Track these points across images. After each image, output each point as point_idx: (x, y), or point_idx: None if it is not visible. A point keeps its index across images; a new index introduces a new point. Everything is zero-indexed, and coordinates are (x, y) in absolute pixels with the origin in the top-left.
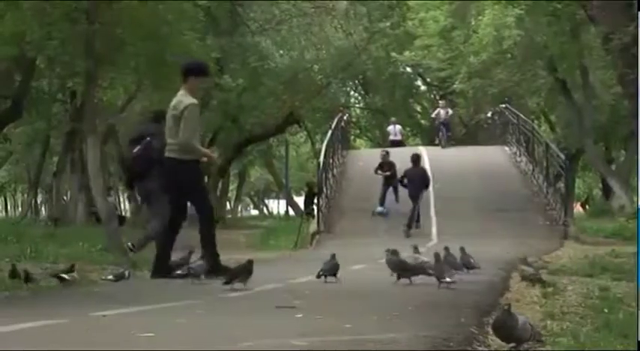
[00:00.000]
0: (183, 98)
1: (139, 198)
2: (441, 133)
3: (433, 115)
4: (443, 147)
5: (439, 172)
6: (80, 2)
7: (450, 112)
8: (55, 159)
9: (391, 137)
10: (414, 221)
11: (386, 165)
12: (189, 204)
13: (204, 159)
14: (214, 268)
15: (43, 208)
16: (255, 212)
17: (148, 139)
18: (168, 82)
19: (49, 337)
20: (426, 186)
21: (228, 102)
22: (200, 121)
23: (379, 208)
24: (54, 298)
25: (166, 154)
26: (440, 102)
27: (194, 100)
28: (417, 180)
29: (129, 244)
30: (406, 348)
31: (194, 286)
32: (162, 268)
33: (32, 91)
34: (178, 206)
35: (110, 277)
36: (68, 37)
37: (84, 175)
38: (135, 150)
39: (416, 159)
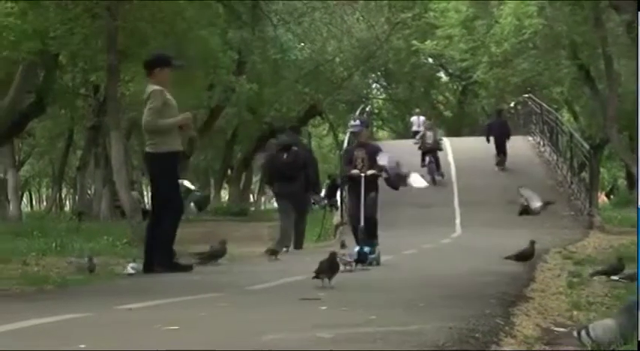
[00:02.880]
0: (148, 89)
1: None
2: (427, 167)
3: (414, 128)
4: (434, 184)
5: (463, 163)
6: None
7: (439, 136)
8: (79, 153)
9: (414, 128)
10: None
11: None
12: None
13: (181, 128)
14: (165, 263)
15: (67, 203)
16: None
17: (295, 148)
18: (187, 76)
19: (75, 331)
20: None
21: (249, 95)
22: (171, 106)
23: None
24: (79, 291)
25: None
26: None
27: (157, 87)
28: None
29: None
30: (431, 339)
31: (217, 279)
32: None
33: (55, 86)
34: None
35: (130, 270)
36: (91, 33)
37: (108, 170)
38: (284, 157)
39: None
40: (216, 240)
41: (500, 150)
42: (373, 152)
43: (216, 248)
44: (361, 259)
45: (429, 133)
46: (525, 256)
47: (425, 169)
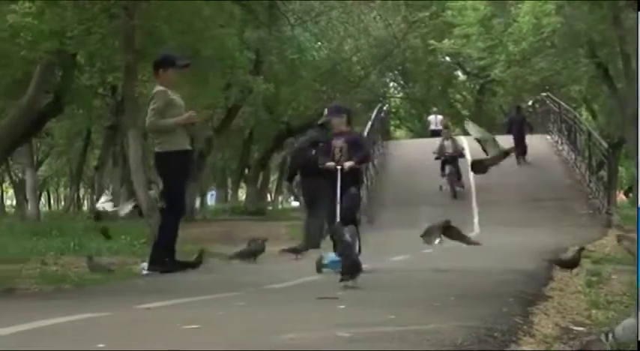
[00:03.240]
0: (153, 90)
1: (294, 191)
2: (446, 178)
3: (431, 127)
4: (455, 196)
5: None
6: None
7: (463, 146)
8: (97, 153)
9: (432, 127)
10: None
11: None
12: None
13: (188, 123)
14: (162, 262)
15: (85, 202)
16: (295, 204)
17: (322, 144)
18: (204, 76)
19: (93, 330)
20: None
21: (265, 95)
22: (175, 106)
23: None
24: (97, 291)
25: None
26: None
27: (160, 88)
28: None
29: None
30: (449, 338)
31: (235, 278)
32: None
33: (73, 86)
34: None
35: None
36: (108, 32)
37: (125, 169)
38: (312, 152)
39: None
40: (235, 239)
41: (519, 146)
42: (353, 141)
43: (256, 246)
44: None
45: (447, 143)
46: (572, 263)
47: (444, 179)
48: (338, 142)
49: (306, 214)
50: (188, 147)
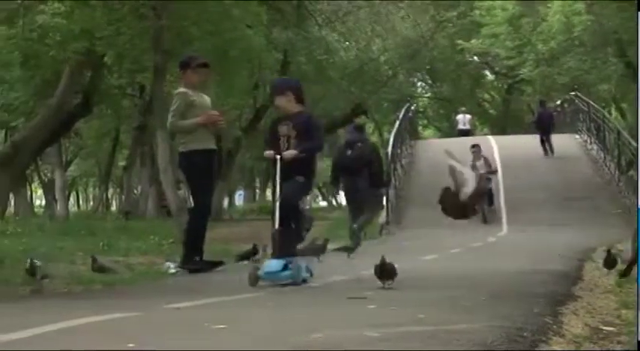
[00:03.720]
0: (175, 91)
1: (340, 192)
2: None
3: (459, 127)
4: (485, 221)
5: (509, 161)
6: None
7: (493, 167)
8: (125, 153)
9: (460, 126)
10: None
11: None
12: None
13: (209, 124)
14: (193, 261)
15: (113, 202)
16: (323, 204)
17: (359, 144)
18: (231, 76)
19: (123, 330)
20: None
21: None
22: (197, 107)
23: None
24: (126, 291)
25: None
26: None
27: (181, 89)
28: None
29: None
30: (479, 338)
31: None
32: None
33: (102, 86)
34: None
35: (172, 270)
36: (137, 33)
37: (154, 169)
38: (349, 153)
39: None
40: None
41: (546, 139)
42: (303, 126)
43: (319, 244)
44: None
45: (479, 163)
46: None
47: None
48: (284, 128)
49: (349, 212)
50: (212, 146)
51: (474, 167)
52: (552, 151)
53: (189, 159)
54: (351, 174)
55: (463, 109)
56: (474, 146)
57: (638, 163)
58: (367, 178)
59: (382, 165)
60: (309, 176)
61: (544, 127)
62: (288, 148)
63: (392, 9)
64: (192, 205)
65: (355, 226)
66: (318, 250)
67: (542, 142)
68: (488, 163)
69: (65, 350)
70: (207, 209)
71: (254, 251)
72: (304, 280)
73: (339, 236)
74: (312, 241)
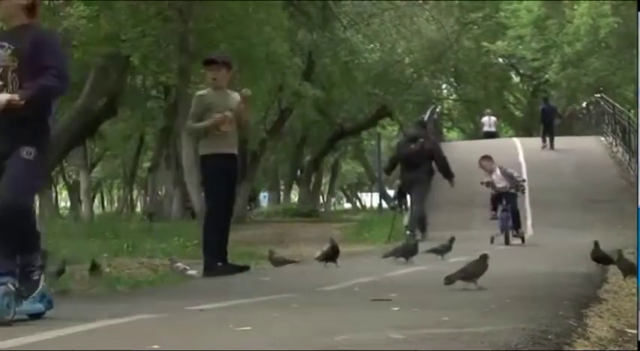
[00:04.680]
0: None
1: (395, 185)
2: (499, 220)
3: (484, 129)
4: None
5: (534, 163)
6: (174, 1)
7: (521, 176)
8: (150, 155)
9: (485, 128)
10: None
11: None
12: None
13: (218, 127)
14: (215, 267)
15: (138, 204)
16: (348, 206)
17: (421, 140)
18: (256, 78)
19: (147, 331)
20: None
21: (314, 99)
22: (214, 110)
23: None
24: (151, 292)
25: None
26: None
27: (199, 92)
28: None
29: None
30: (504, 340)
31: (288, 280)
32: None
33: (127, 88)
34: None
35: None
36: (162, 35)
37: (178, 171)
38: (412, 146)
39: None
40: (286, 241)
41: (548, 133)
42: (29, 44)
43: (408, 245)
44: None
45: (496, 177)
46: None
47: (496, 222)
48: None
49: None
50: (227, 151)
51: (492, 183)
52: (552, 145)
53: (204, 163)
54: (413, 166)
55: (488, 111)
56: (483, 158)
57: (638, 163)
58: (427, 172)
59: (445, 159)
60: (39, 146)
61: (547, 122)
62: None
63: (417, 11)
64: (206, 209)
65: (408, 232)
66: (408, 252)
67: (544, 135)
68: (507, 173)
69: None
70: (219, 214)
71: (334, 250)
72: (37, 315)
73: (363, 239)
74: (408, 240)
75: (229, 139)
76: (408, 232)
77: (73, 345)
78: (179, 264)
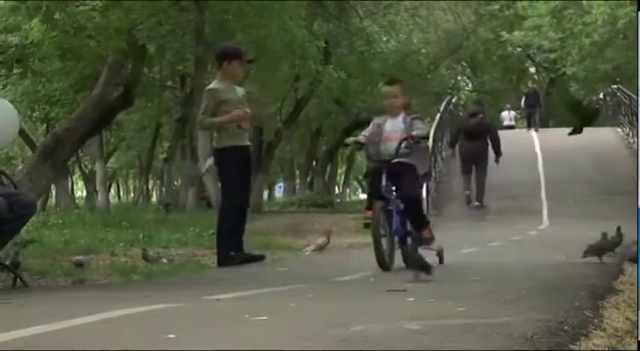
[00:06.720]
0: (206, 88)
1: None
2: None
3: (505, 123)
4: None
5: (550, 154)
6: None
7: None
8: (166, 145)
9: (506, 122)
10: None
11: None
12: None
13: (239, 124)
14: (225, 258)
15: (154, 194)
16: (363, 196)
17: (481, 115)
18: (272, 68)
19: (164, 321)
20: None
21: (337, 85)
22: (229, 103)
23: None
24: (166, 282)
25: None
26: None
27: (211, 85)
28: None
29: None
30: (519, 331)
31: (304, 270)
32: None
33: (143, 79)
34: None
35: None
36: (178, 25)
37: (194, 161)
38: (471, 121)
39: None
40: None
41: (532, 115)
42: None
43: (612, 240)
44: None
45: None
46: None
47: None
48: None
49: (462, 172)
50: (242, 143)
51: None
52: (537, 126)
53: (220, 156)
54: (473, 138)
55: (508, 106)
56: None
57: (639, 163)
58: (485, 144)
59: (498, 136)
60: None
61: (530, 104)
62: None
63: (433, 2)
64: (223, 202)
65: (476, 203)
66: (613, 245)
67: (529, 117)
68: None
69: (106, 340)
70: (236, 205)
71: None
72: None
73: None
74: (605, 237)
75: (243, 131)
76: (476, 203)
77: (89, 334)
78: (151, 253)
